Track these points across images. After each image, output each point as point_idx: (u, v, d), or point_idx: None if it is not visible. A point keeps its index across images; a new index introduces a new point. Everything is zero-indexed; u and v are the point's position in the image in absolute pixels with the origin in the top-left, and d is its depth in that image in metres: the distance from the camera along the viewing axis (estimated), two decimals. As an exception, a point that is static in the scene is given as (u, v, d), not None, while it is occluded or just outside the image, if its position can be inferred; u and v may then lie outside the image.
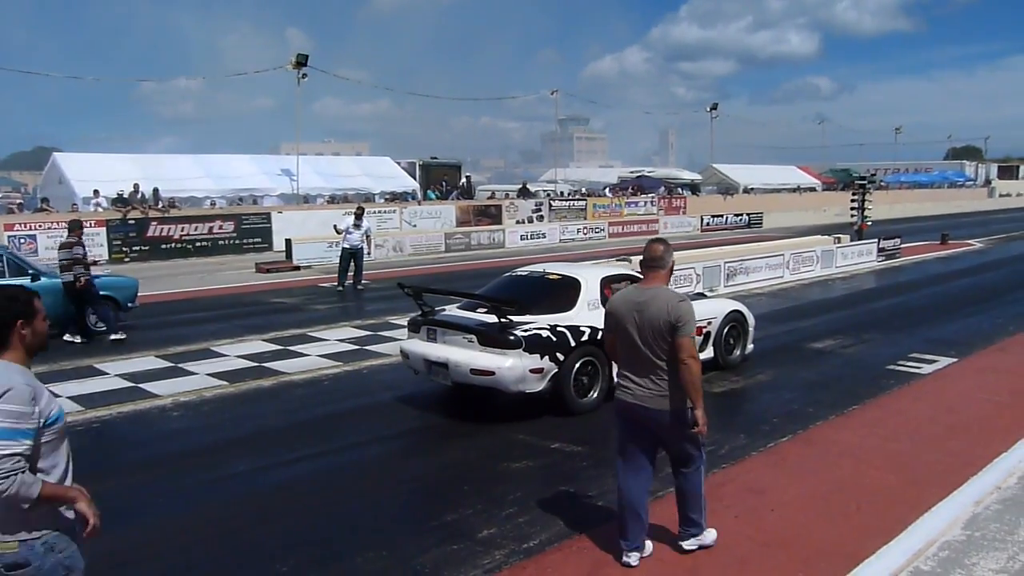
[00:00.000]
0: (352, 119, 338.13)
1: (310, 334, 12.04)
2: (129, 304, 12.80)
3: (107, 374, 9.64)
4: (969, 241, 28.07)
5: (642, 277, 4.91)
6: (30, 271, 11.85)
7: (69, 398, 8.48)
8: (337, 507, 5.70)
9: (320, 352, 10.75)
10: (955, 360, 9.86)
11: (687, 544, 4.88)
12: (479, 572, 4.63)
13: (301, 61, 30.16)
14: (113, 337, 11.59)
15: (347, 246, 17.30)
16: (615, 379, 4.93)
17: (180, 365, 10.02)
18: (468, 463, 6.63)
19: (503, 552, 4.85)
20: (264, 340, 11.60)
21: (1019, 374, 9.31)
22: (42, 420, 2.95)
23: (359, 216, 17.67)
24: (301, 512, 5.61)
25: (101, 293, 12.00)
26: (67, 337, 11.52)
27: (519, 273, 9.15)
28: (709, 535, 4.90)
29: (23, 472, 2.83)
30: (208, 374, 9.54)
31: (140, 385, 9.04)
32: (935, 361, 9.76)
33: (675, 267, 4.89)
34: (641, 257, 4.88)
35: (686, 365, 4.43)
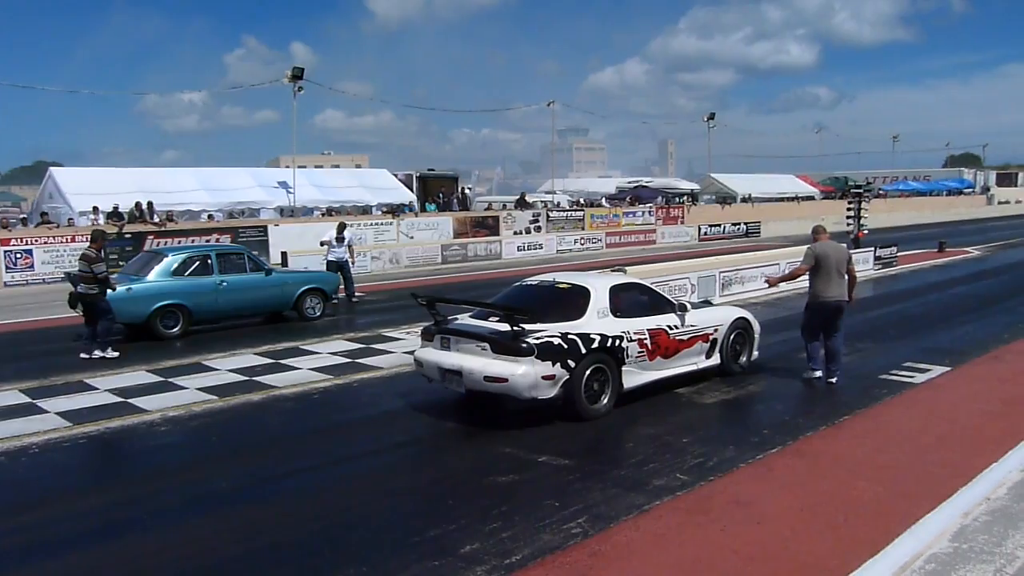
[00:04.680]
0: (353, 132, 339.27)
1: (302, 347, 12.01)
2: (332, 295, 15.41)
3: (97, 389, 9.59)
4: (967, 249, 28.04)
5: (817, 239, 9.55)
6: (265, 267, 14.63)
7: (57, 413, 8.46)
8: (319, 523, 5.64)
9: (312, 366, 10.71)
10: (949, 369, 9.82)
11: (834, 380, 9.12)
12: (460, 589, 4.59)
13: (297, 74, 30.25)
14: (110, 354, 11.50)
15: (332, 258, 17.65)
16: (814, 290, 9.20)
17: (171, 380, 9.97)
18: (453, 477, 6.59)
19: (484, 568, 4.80)
20: (256, 354, 11.57)
21: (1012, 383, 9.26)
22: None
23: (341, 230, 17.99)
24: (282, 529, 5.56)
25: (312, 287, 14.82)
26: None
27: (529, 282, 9.26)
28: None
29: None
30: (198, 388, 9.49)
31: (129, 400, 8.99)
32: (928, 370, 9.72)
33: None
34: (813, 228, 9.96)
35: (854, 276, 9.36)
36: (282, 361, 11.03)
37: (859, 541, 5.03)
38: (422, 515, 5.75)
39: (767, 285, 11.04)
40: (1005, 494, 5.80)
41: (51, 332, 14.28)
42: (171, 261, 13.33)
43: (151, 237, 23.23)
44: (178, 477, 6.79)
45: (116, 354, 11.42)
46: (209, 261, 13.57)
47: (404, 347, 11.67)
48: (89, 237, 12.09)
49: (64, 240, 21.68)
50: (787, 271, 10.67)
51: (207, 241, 24.37)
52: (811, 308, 9.29)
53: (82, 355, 11.31)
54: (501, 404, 8.16)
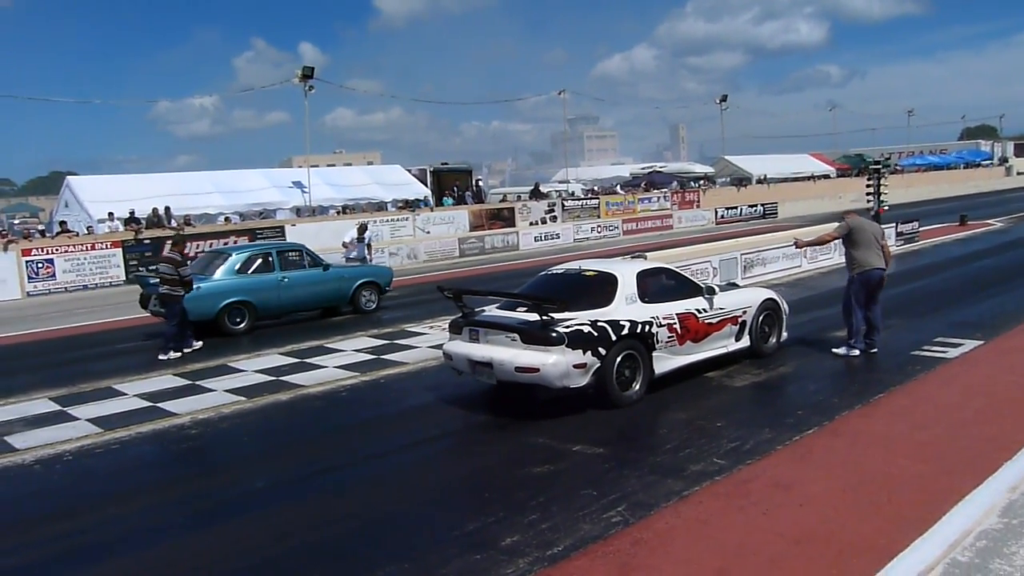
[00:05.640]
0: (365, 129, 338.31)
1: (327, 345, 12.01)
2: (386, 288, 15.76)
3: (125, 395, 9.63)
4: (989, 221, 27.68)
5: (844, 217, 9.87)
6: (322, 263, 14.74)
7: (88, 420, 8.48)
8: (355, 520, 5.62)
9: (337, 363, 10.70)
10: (981, 342, 9.66)
11: (875, 350, 9.43)
12: (503, 581, 4.54)
13: (307, 74, 30.23)
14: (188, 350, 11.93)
15: (352, 255, 18.40)
16: (856, 263, 9.41)
17: (198, 383, 9.99)
18: (488, 469, 6.55)
19: (527, 560, 4.75)
20: (281, 353, 11.57)
21: (1048, 354, 9.10)
22: None
23: (362, 231, 18.68)
24: (320, 527, 5.53)
25: (367, 280, 15.26)
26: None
27: (555, 271, 9.20)
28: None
29: None
30: (226, 390, 9.51)
31: (158, 404, 9.01)
32: (961, 344, 9.57)
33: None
34: (844, 211, 10.70)
35: (888, 250, 9.71)
36: (307, 360, 11.03)
37: (906, 519, 4.94)
38: (459, 509, 5.72)
39: (795, 247, 12.15)
40: (1052, 467, 5.68)
41: (76, 340, 14.41)
42: (235, 260, 13.86)
43: (169, 242, 23.29)
44: (212, 479, 6.80)
45: (179, 354, 11.72)
46: (270, 259, 14.08)
47: (428, 341, 11.65)
48: (171, 242, 13.04)
49: (85, 248, 21.81)
50: (814, 236, 11.15)
51: (225, 243, 24.51)
52: (858, 281, 9.41)
53: (173, 354, 11.69)
54: (532, 395, 8.11)
